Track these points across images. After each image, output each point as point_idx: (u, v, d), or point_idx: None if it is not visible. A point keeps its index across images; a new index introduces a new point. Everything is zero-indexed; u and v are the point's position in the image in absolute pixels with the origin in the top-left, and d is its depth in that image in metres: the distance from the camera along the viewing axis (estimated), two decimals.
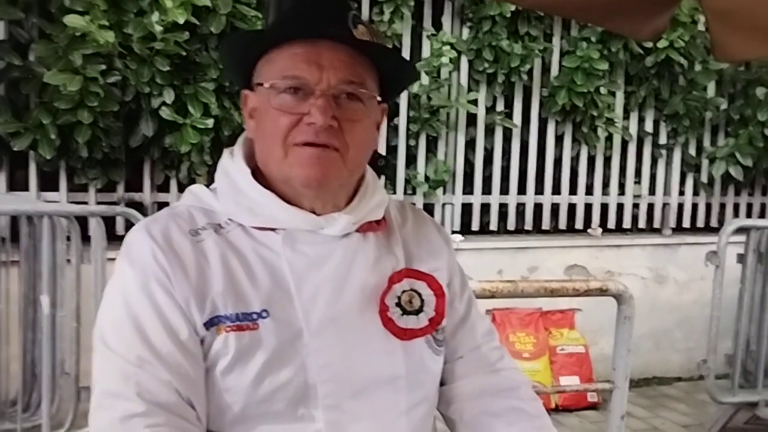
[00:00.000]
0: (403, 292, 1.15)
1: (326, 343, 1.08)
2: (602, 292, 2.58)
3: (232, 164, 1.16)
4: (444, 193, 4.48)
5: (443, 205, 4.49)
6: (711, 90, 4.96)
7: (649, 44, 4.56)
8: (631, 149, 4.91)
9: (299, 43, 1.08)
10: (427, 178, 4.38)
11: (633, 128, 4.89)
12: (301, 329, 1.07)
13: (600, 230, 4.85)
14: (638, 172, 4.97)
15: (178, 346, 1.03)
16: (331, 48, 1.07)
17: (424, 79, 4.29)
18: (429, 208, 4.38)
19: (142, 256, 1.06)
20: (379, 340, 1.12)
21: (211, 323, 1.05)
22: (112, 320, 1.06)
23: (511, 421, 1.21)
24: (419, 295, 1.17)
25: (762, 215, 5.24)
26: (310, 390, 1.07)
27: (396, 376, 1.13)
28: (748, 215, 5.20)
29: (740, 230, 3.76)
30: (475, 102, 4.41)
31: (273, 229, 1.11)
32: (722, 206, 5.20)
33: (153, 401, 1.00)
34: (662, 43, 4.51)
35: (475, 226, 4.56)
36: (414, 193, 4.39)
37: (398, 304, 1.14)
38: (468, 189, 4.56)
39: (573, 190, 4.81)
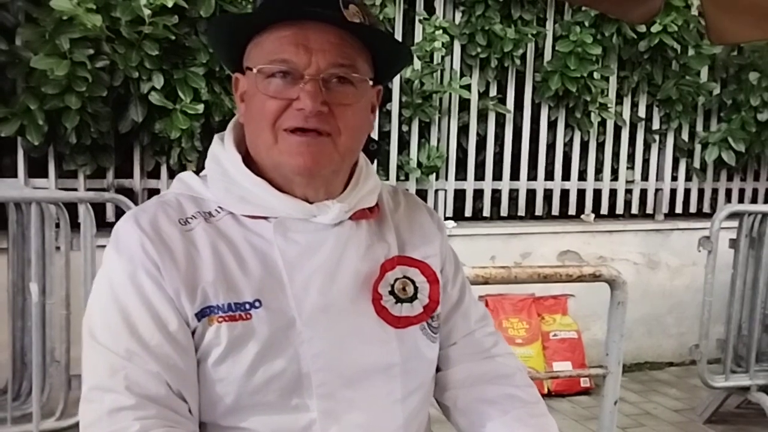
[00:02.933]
0: (396, 279, 1.14)
1: (319, 332, 1.07)
2: (595, 277, 2.58)
3: (222, 151, 1.14)
4: (437, 179, 4.46)
5: (436, 191, 4.47)
6: (704, 75, 4.95)
7: (642, 29, 4.54)
8: (624, 135, 4.90)
9: (287, 25, 1.05)
10: (419, 164, 4.36)
11: (626, 113, 4.88)
12: (294, 318, 1.06)
13: (593, 216, 4.85)
14: (631, 158, 4.97)
15: (167, 337, 1.02)
16: (320, 30, 1.04)
17: (417, 64, 4.26)
18: (422, 194, 4.36)
19: (131, 246, 1.04)
20: (373, 329, 1.11)
21: (203, 314, 1.03)
22: (100, 312, 1.04)
23: (506, 408, 1.20)
24: (412, 282, 1.15)
25: (754, 200, 5.25)
26: (303, 379, 1.06)
27: (390, 364, 1.12)
28: (741, 200, 5.20)
29: (733, 215, 3.76)
30: (467, 87, 4.37)
31: (264, 218, 1.10)
32: (714, 191, 5.21)
33: (142, 394, 0.99)
34: (655, 28, 4.49)
35: (468, 212, 4.56)
36: (407, 179, 4.37)
37: (392, 292, 1.13)
38: (461, 175, 4.54)
39: (566, 176, 4.80)
